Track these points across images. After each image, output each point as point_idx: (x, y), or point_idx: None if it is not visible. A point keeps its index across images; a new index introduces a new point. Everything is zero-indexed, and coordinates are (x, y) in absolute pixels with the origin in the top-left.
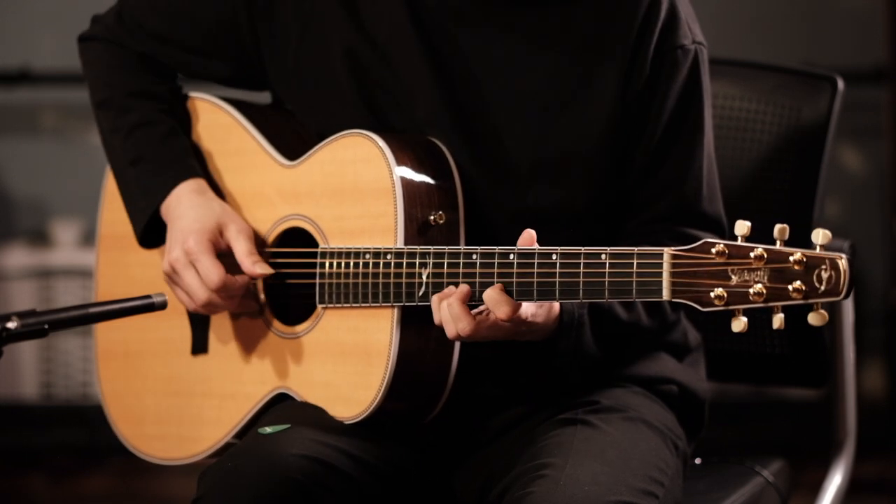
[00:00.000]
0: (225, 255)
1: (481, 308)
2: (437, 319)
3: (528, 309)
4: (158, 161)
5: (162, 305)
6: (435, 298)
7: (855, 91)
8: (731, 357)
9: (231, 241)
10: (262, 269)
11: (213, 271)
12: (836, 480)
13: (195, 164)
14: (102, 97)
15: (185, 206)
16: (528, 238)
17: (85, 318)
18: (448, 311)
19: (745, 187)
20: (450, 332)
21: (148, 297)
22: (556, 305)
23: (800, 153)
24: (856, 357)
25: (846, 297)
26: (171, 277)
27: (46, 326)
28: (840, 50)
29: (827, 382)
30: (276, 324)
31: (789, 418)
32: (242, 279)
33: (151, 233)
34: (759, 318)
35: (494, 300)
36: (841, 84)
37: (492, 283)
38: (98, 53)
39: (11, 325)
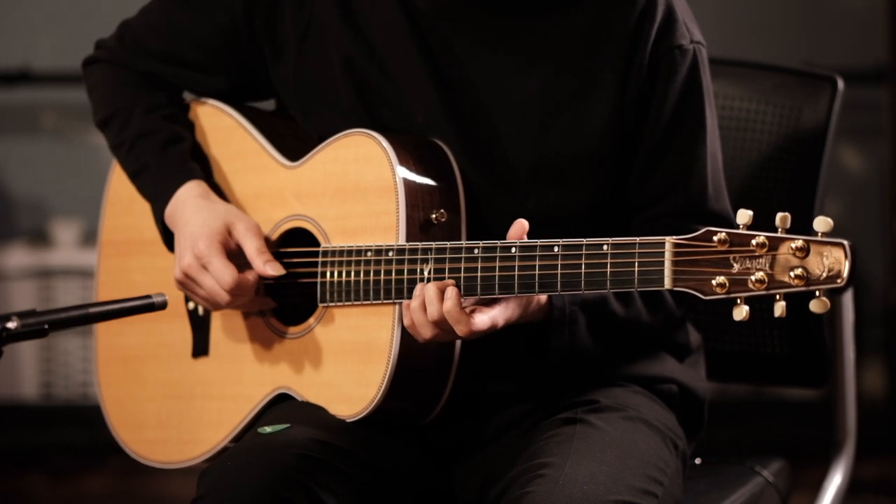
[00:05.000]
0: (236, 255)
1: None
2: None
3: (490, 319)
4: (160, 168)
5: (162, 305)
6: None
7: (855, 91)
8: (731, 357)
9: (240, 240)
10: (274, 269)
11: (226, 272)
12: (836, 480)
13: (196, 167)
14: (105, 115)
15: (191, 210)
16: (520, 228)
17: (85, 318)
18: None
19: (745, 187)
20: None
21: (148, 296)
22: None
23: (800, 153)
24: (856, 357)
25: (848, 284)
26: (186, 285)
27: (46, 326)
28: (840, 50)
29: (827, 382)
30: (277, 324)
31: (789, 418)
32: (255, 276)
33: (172, 239)
34: (759, 318)
35: (454, 318)
36: (841, 84)
37: (493, 278)
38: (101, 75)
39: (11, 325)
